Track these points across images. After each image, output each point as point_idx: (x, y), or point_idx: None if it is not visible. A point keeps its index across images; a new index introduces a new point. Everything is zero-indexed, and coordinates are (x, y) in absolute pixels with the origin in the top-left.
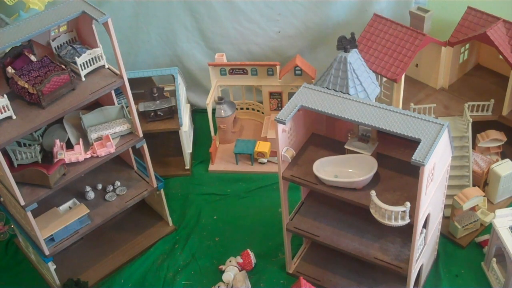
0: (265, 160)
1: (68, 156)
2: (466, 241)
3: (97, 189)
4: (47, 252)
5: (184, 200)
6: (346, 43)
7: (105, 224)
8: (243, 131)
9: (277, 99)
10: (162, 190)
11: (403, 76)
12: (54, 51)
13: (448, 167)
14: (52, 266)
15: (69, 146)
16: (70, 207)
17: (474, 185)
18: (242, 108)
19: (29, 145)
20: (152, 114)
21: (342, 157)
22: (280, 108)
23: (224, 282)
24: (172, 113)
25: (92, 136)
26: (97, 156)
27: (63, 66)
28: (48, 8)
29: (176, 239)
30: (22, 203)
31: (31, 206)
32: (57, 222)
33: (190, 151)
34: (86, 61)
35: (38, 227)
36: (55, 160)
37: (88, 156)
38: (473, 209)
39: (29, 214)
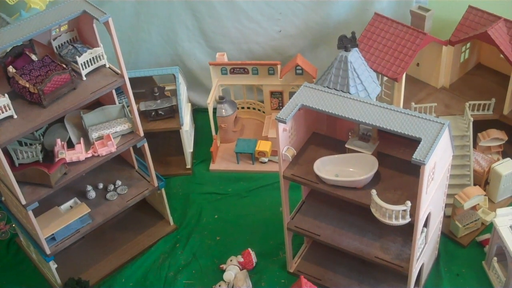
0: (266, 159)
1: (69, 155)
2: (467, 240)
3: (98, 188)
4: (48, 251)
5: (185, 199)
6: (346, 42)
7: (106, 223)
8: (244, 130)
9: (278, 98)
10: (163, 189)
11: (404, 75)
12: (55, 50)
13: (449, 166)
14: (53, 265)
15: (70, 145)
16: (71, 206)
17: (475, 184)
18: (243, 107)
19: (30, 144)
20: (153, 113)
21: (342, 156)
22: (281, 107)
23: (225, 281)
24: (173, 112)
25: (93, 135)
26: (98, 156)
27: (64, 66)
28: (49, 7)
29: (177, 238)
30: (23, 202)
31: (32, 205)
32: (58, 221)
33: (191, 150)
34: (87, 61)
35: (39, 226)
36: (56, 160)
37: (89, 155)
38: (474, 208)
39: (30, 213)
